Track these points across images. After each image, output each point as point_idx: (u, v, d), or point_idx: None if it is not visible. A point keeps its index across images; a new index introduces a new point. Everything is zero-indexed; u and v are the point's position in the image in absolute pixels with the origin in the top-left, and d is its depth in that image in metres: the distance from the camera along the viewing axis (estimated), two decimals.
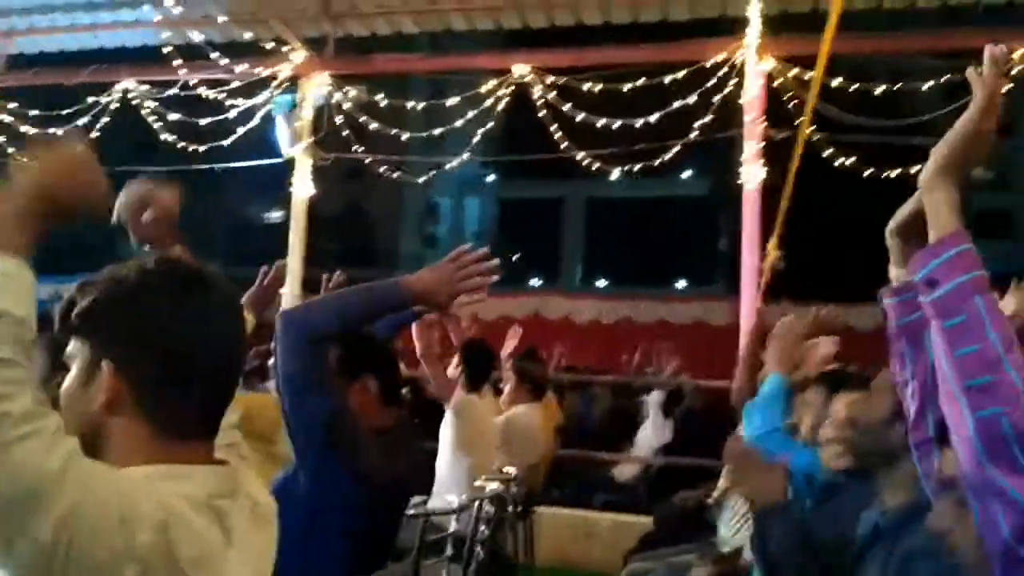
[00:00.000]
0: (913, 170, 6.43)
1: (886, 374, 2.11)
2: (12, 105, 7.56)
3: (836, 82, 6.27)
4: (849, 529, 2.05)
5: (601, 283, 38.35)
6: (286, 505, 1.34)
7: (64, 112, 7.40)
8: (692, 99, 6.42)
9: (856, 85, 6.15)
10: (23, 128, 7.52)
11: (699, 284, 31.02)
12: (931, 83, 6.10)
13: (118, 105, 7.23)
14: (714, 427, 7.13)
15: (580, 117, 6.55)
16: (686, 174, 36.47)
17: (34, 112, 7.54)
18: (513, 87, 6.46)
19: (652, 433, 6.78)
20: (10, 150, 7.49)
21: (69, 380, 1.15)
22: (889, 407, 2.06)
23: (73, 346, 1.15)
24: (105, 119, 7.26)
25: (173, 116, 7.25)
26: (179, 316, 1.13)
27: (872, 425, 2.09)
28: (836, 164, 6.46)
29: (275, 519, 1.27)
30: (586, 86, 6.39)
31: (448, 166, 7.62)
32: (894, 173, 6.59)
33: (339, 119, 6.87)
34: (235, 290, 1.25)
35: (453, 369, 4.48)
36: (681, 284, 35.58)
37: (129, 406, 1.10)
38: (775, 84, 6.17)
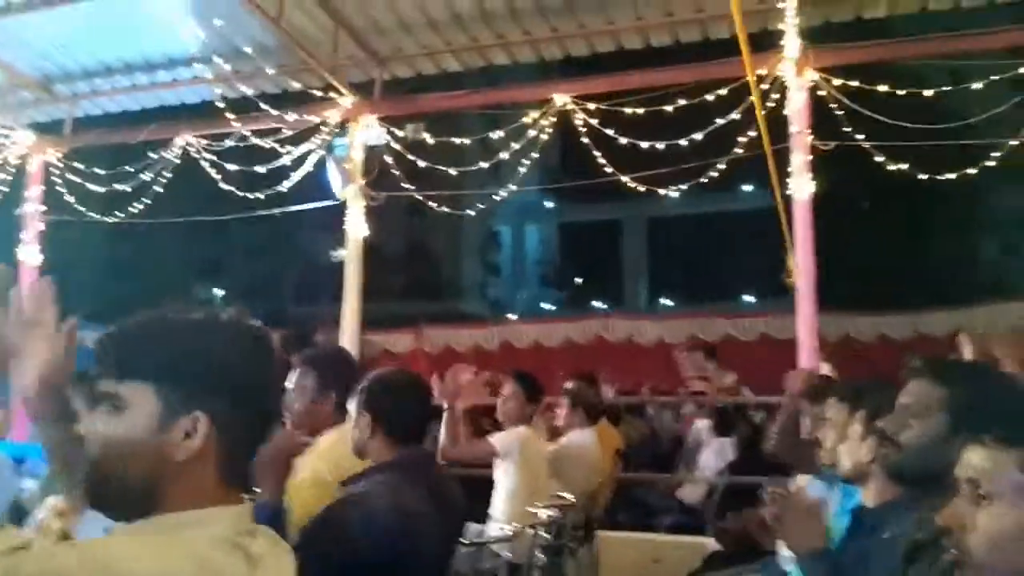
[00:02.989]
0: (971, 171, 6.33)
1: (930, 389, 2.05)
2: (79, 165, 7.93)
3: (883, 88, 6.21)
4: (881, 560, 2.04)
5: (667, 302, 38.02)
6: None
7: (130, 169, 7.75)
8: (736, 115, 6.41)
9: (903, 91, 6.06)
10: (91, 187, 7.89)
11: (767, 298, 30.57)
12: (982, 83, 5.98)
13: (179, 160, 7.52)
14: None
15: (625, 141, 6.59)
16: (748, 187, 36.03)
17: (100, 171, 7.90)
18: (555, 117, 6.54)
19: (712, 454, 6.71)
20: (80, 208, 7.86)
21: (133, 423, 1.16)
22: (941, 426, 1.99)
23: (127, 388, 1.16)
24: (168, 174, 7.58)
25: (232, 167, 7.51)
26: (264, 372, 1.23)
27: (923, 445, 2.03)
28: (890, 170, 6.37)
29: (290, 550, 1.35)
30: (628, 110, 6.43)
31: (497, 197, 7.73)
32: (952, 176, 6.48)
33: (390, 159, 7.03)
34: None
35: (504, 397, 4.58)
36: (749, 299, 35.07)
37: (207, 454, 1.17)
38: (820, 93, 6.13)
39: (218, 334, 1.21)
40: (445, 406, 4.26)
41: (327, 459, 2.72)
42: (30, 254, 8.05)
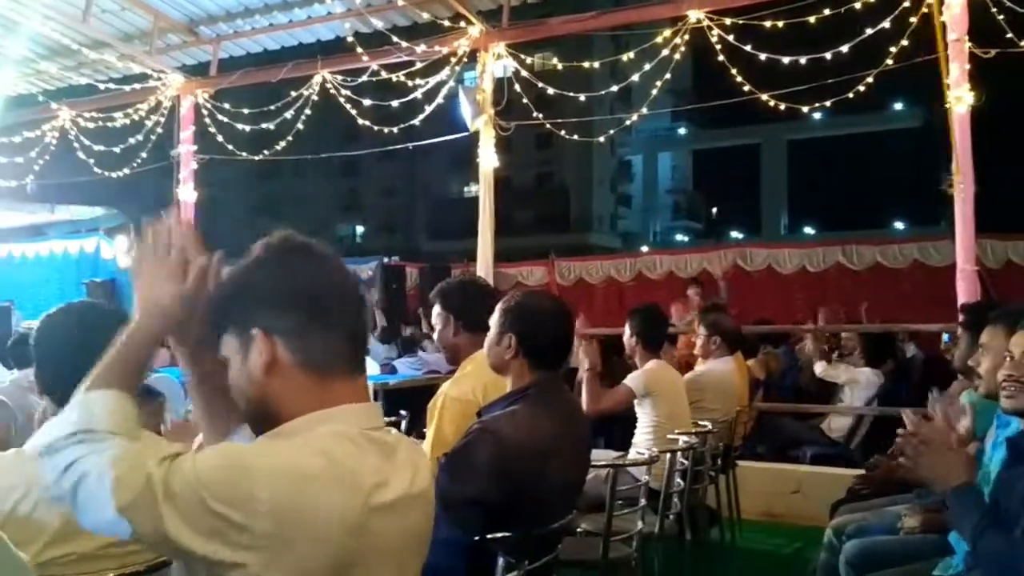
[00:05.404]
0: None
1: None
2: (226, 105, 8.27)
3: None
4: None
5: (809, 230, 36.64)
6: None
7: (272, 107, 8.03)
8: (886, 24, 6.00)
9: None
10: (239, 126, 8.22)
11: (920, 224, 28.94)
12: None
13: (317, 97, 7.71)
14: (931, 373, 6.72)
15: (764, 57, 6.29)
16: (897, 105, 34.00)
17: (246, 110, 8.21)
18: (688, 35, 6.28)
19: (858, 386, 6.46)
20: (229, 146, 8.23)
21: (231, 370, 1.28)
22: None
23: (224, 342, 1.29)
24: (308, 111, 7.80)
25: (367, 102, 7.64)
26: (299, 267, 1.27)
27: None
28: None
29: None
30: (768, 24, 6.11)
31: (628, 121, 7.55)
32: None
33: (518, 88, 6.96)
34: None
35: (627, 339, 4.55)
36: (899, 225, 33.37)
37: (284, 360, 1.24)
38: None
39: (249, 264, 1.28)
40: (583, 368, 4.34)
41: (472, 381, 2.80)
42: (187, 192, 8.53)
